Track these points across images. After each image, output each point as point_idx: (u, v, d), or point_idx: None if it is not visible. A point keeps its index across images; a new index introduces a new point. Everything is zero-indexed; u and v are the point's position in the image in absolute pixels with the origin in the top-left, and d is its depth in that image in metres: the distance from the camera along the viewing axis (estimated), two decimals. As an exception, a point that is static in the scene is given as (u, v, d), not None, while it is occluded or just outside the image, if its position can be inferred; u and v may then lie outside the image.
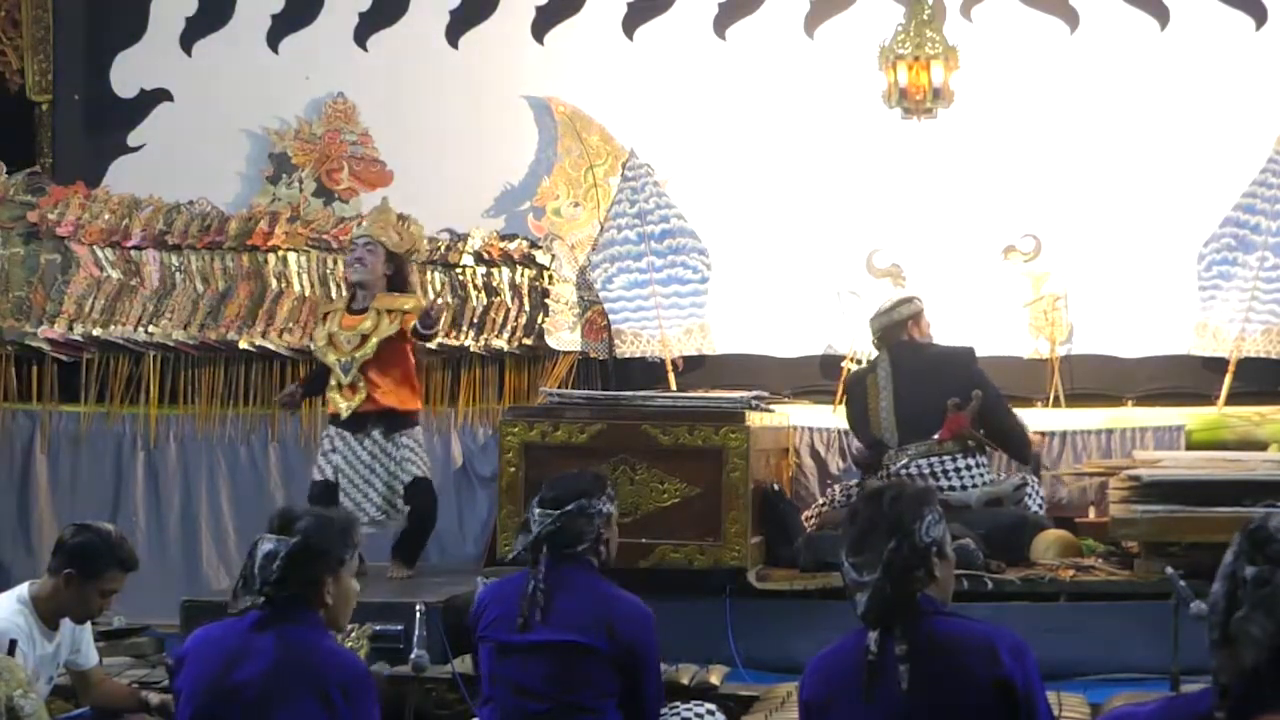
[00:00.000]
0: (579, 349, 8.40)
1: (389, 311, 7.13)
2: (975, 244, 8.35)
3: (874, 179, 8.44)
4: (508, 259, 8.48)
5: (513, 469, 6.82)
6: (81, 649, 5.17)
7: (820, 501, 7.64)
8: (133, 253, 8.62)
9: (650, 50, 8.75)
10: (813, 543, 6.88)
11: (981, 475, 7.23)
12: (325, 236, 8.51)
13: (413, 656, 5.40)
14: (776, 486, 7.22)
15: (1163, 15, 8.48)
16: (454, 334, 8.38)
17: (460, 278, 8.49)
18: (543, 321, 8.37)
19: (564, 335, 8.38)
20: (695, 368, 8.44)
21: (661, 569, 6.61)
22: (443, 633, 5.72)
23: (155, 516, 8.39)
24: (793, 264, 8.45)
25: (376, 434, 7.08)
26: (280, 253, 8.55)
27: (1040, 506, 7.41)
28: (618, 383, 8.22)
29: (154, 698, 5.25)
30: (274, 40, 8.96)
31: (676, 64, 8.70)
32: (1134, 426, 7.99)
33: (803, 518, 7.32)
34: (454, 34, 8.87)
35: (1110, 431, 7.99)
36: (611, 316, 8.36)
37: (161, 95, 9.03)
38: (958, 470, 7.20)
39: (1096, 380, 8.32)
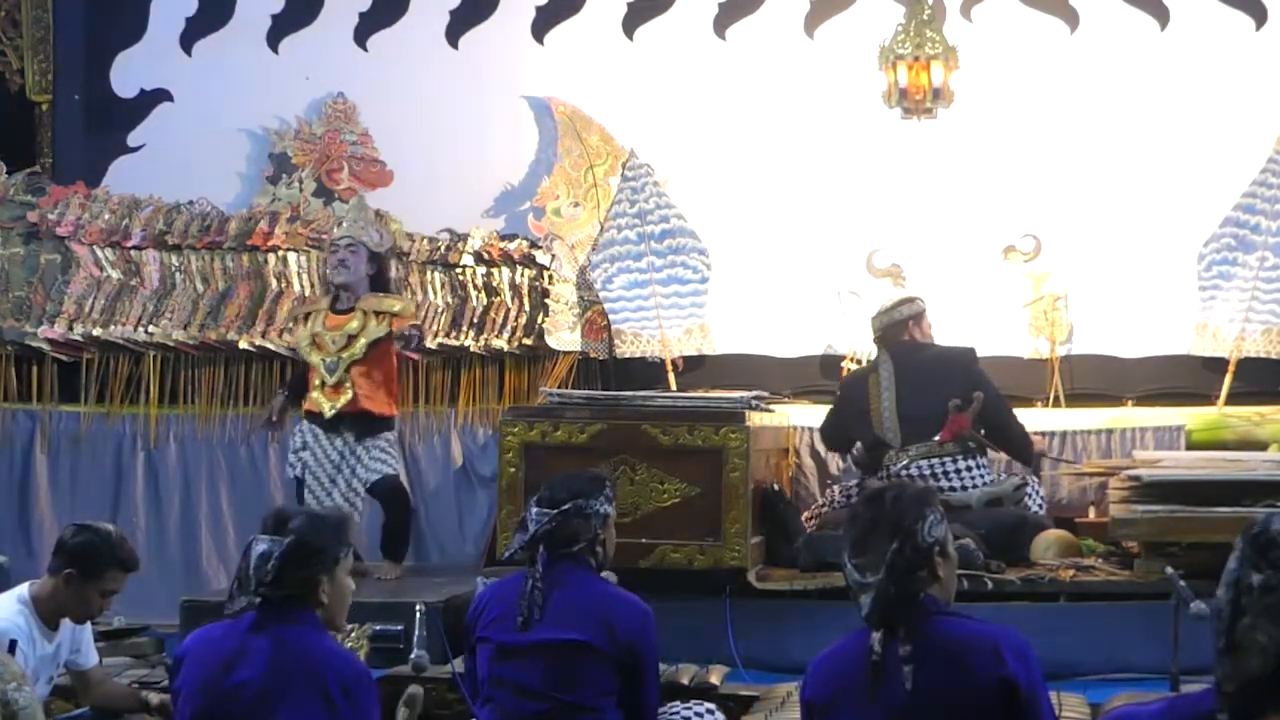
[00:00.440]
0: (579, 349, 8.40)
1: (377, 313, 7.16)
2: (975, 244, 8.35)
3: (874, 179, 8.44)
4: (508, 259, 8.48)
5: (513, 469, 6.81)
6: (81, 649, 5.17)
7: (820, 502, 7.65)
8: (133, 253, 8.62)
9: (650, 50, 8.75)
10: (813, 543, 6.88)
11: (982, 476, 7.23)
12: (325, 236, 8.50)
13: (413, 656, 5.41)
14: (776, 486, 7.22)
15: (1163, 15, 8.48)
16: (454, 334, 8.38)
17: (460, 278, 8.49)
18: (543, 321, 8.37)
19: (564, 335, 8.38)
20: (695, 368, 8.44)
21: (661, 569, 6.60)
22: (443, 633, 5.71)
23: (155, 516, 8.39)
24: (793, 264, 8.45)
25: (349, 435, 7.13)
26: (280, 253, 8.55)
27: (1040, 506, 7.41)
28: (618, 383, 8.22)
29: (154, 698, 5.25)
30: (274, 40, 8.96)
31: (676, 64, 8.70)
32: (1134, 426, 7.98)
33: (803, 518, 7.31)
34: (454, 34, 8.87)
35: (1110, 431, 7.99)
36: (611, 316, 8.36)
37: (161, 95, 9.03)
38: (958, 471, 7.19)
39: (1096, 380, 8.32)
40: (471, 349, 8.37)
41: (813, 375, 8.40)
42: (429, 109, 8.80)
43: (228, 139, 8.90)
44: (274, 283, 8.52)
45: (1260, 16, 8.41)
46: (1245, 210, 8.07)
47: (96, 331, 8.44)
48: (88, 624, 5.16)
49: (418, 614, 5.52)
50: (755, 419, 6.93)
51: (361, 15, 8.92)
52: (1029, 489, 7.35)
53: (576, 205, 8.69)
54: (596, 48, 8.77)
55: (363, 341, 7.14)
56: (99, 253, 8.62)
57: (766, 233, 8.50)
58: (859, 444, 7.55)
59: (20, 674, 3.50)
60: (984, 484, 7.21)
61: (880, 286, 8.26)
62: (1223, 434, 7.87)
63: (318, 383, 7.21)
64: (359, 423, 7.17)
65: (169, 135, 8.97)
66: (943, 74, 7.94)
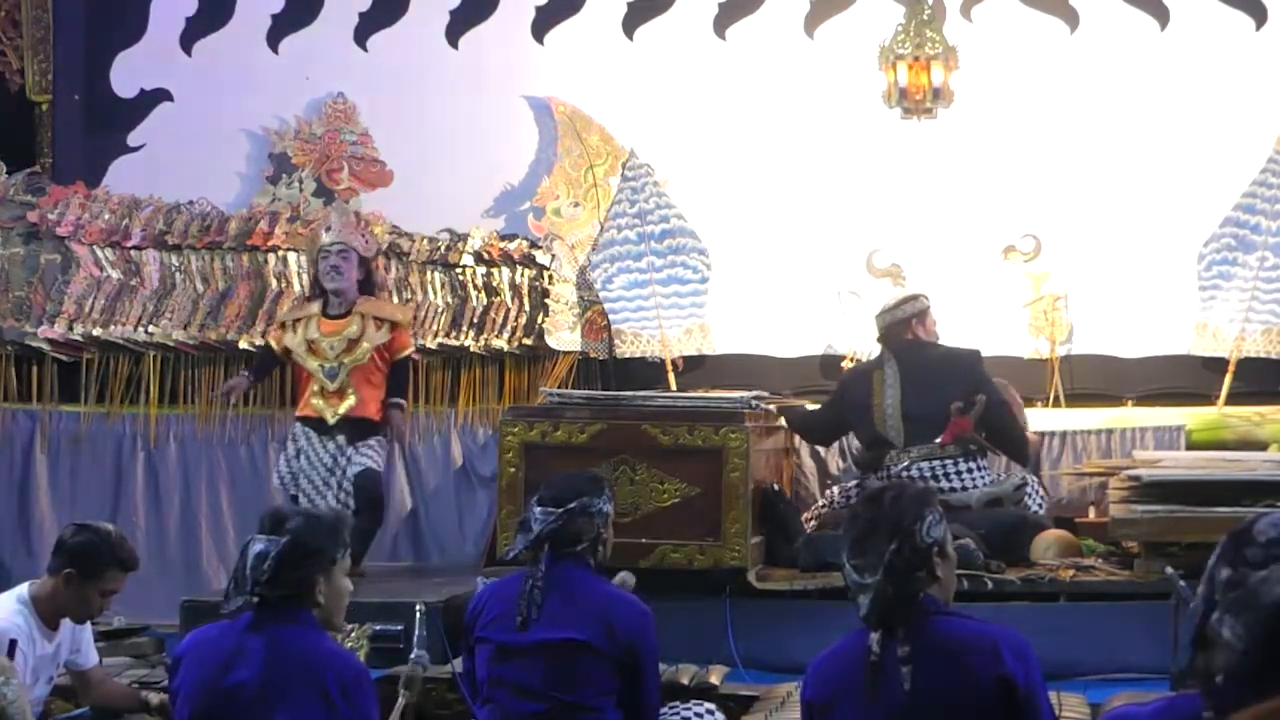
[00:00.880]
0: (579, 349, 8.40)
1: (376, 318, 7.15)
2: (975, 244, 8.35)
3: (874, 179, 8.44)
4: (508, 259, 8.48)
5: (513, 469, 6.81)
6: (81, 649, 5.17)
7: (820, 502, 7.64)
8: (133, 253, 8.62)
9: (650, 50, 8.75)
10: (813, 543, 6.88)
11: (983, 478, 7.22)
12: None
13: (413, 656, 5.40)
14: (776, 486, 7.21)
15: (1163, 15, 8.48)
16: (454, 334, 8.38)
17: (460, 278, 8.49)
18: (543, 321, 8.37)
19: (564, 335, 8.38)
20: (695, 368, 8.44)
21: (661, 569, 6.60)
22: (443, 633, 5.71)
23: (155, 516, 8.39)
24: (793, 264, 8.45)
25: (341, 439, 7.12)
26: (280, 253, 8.55)
27: (1040, 506, 7.41)
28: (618, 383, 8.21)
29: (154, 698, 5.25)
30: (274, 40, 8.96)
31: (676, 64, 8.70)
32: (1134, 426, 7.99)
33: (803, 519, 7.31)
34: (454, 34, 8.87)
35: (1110, 431, 8.00)
36: (611, 316, 8.36)
37: (161, 95, 9.03)
38: (959, 473, 7.19)
39: (1096, 380, 8.32)
40: (471, 349, 8.37)
41: (813, 375, 8.40)
42: (429, 109, 8.80)
43: (228, 139, 8.90)
44: (274, 283, 8.52)
45: (1260, 16, 8.42)
46: (1245, 210, 8.07)
47: (96, 331, 8.44)
48: (88, 624, 5.17)
49: (418, 614, 5.51)
50: (755, 419, 6.93)
51: (361, 15, 8.92)
52: (1029, 489, 7.34)
53: (576, 205, 8.69)
54: (596, 48, 8.77)
55: (366, 347, 7.16)
56: (99, 253, 8.61)
57: (766, 233, 8.50)
58: (858, 443, 7.55)
59: (6, 666, 3.51)
60: (984, 485, 7.20)
61: (880, 286, 8.26)
62: (1223, 434, 7.87)
63: (316, 389, 7.19)
64: (356, 428, 7.17)
65: (169, 135, 8.96)
66: (943, 74, 7.94)
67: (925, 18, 8.01)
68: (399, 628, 5.94)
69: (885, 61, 8.00)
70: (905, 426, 7.25)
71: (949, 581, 3.47)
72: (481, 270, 8.49)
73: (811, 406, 7.82)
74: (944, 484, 7.07)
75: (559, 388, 7.91)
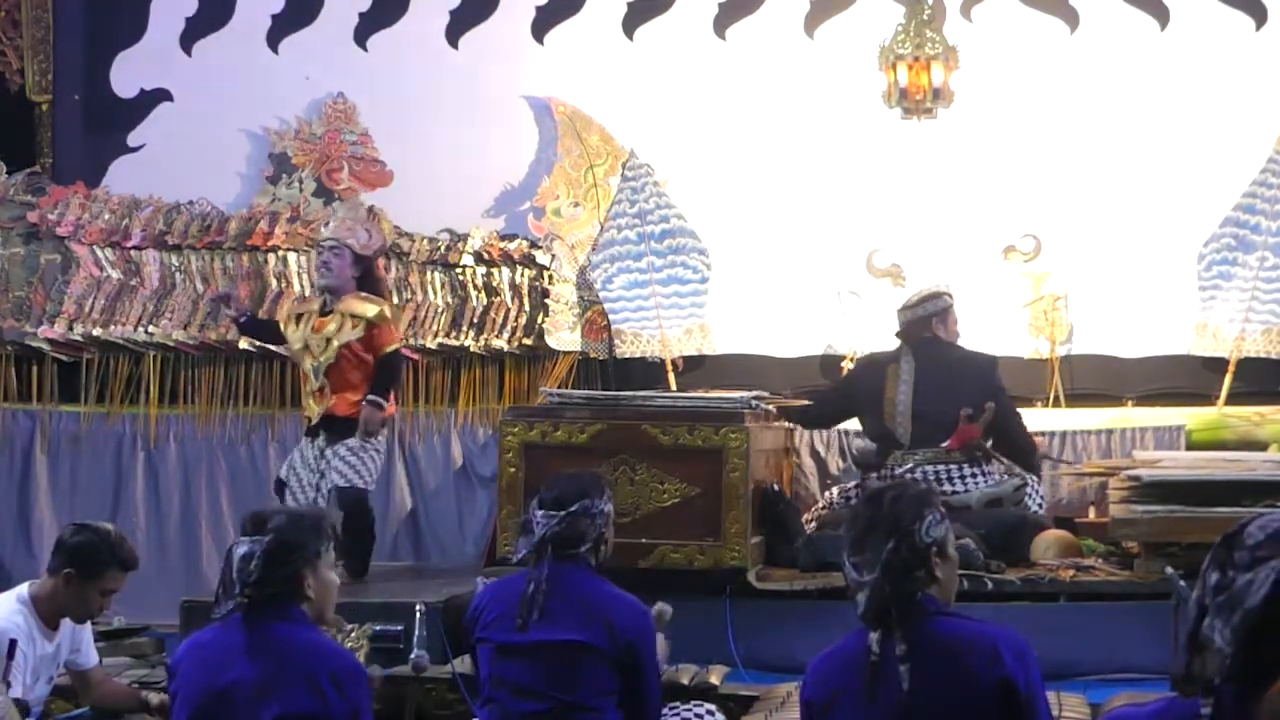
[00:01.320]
0: (579, 349, 8.40)
1: (352, 316, 7.03)
2: (975, 244, 8.35)
3: (874, 179, 8.44)
4: (508, 259, 8.48)
5: (513, 469, 6.81)
6: (81, 649, 5.17)
7: (820, 503, 7.64)
8: (133, 253, 8.62)
9: (650, 50, 8.75)
10: (813, 543, 6.88)
11: (985, 482, 7.22)
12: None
13: (413, 656, 5.41)
14: (776, 486, 7.21)
15: (1163, 15, 8.48)
16: (454, 334, 8.38)
17: (460, 278, 8.49)
18: (543, 321, 8.37)
19: (564, 335, 8.39)
20: (695, 368, 8.44)
21: (661, 569, 6.60)
22: (443, 633, 5.72)
23: (155, 516, 8.39)
24: (793, 264, 8.45)
25: (321, 440, 7.04)
26: (280, 253, 8.55)
27: (1040, 506, 7.41)
28: (618, 383, 8.22)
29: (154, 698, 5.25)
30: (274, 40, 8.96)
31: (676, 64, 8.70)
32: (1134, 426, 7.99)
33: (803, 519, 7.31)
34: (454, 34, 8.87)
35: (1110, 431, 8.00)
36: (611, 316, 8.36)
37: (161, 95, 9.03)
38: (963, 478, 7.19)
39: (1096, 380, 8.32)
40: (471, 349, 8.37)
41: (813, 375, 8.40)
42: (429, 109, 8.80)
43: (228, 139, 8.90)
44: (274, 283, 8.52)
45: (1260, 16, 8.42)
46: (1245, 210, 8.08)
47: (96, 331, 8.45)
48: (88, 624, 5.16)
49: (418, 614, 5.52)
50: (755, 419, 6.93)
51: (361, 15, 8.92)
52: (1029, 489, 7.34)
53: (576, 205, 8.69)
54: (596, 48, 8.77)
55: (335, 345, 7.00)
56: (99, 253, 8.62)
57: (766, 233, 8.50)
58: (858, 442, 7.55)
59: None
60: (985, 487, 7.20)
61: (880, 286, 8.27)
62: (1223, 434, 7.87)
63: (308, 389, 7.15)
64: (333, 427, 7.02)
65: (169, 135, 8.96)
66: (943, 74, 7.95)
67: (925, 18, 8.02)
68: (399, 628, 5.94)
69: (885, 61, 8.00)
70: (914, 424, 7.25)
71: (949, 582, 3.46)
72: (481, 270, 8.50)
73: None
74: (946, 486, 7.07)
75: (559, 388, 7.91)
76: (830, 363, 8.39)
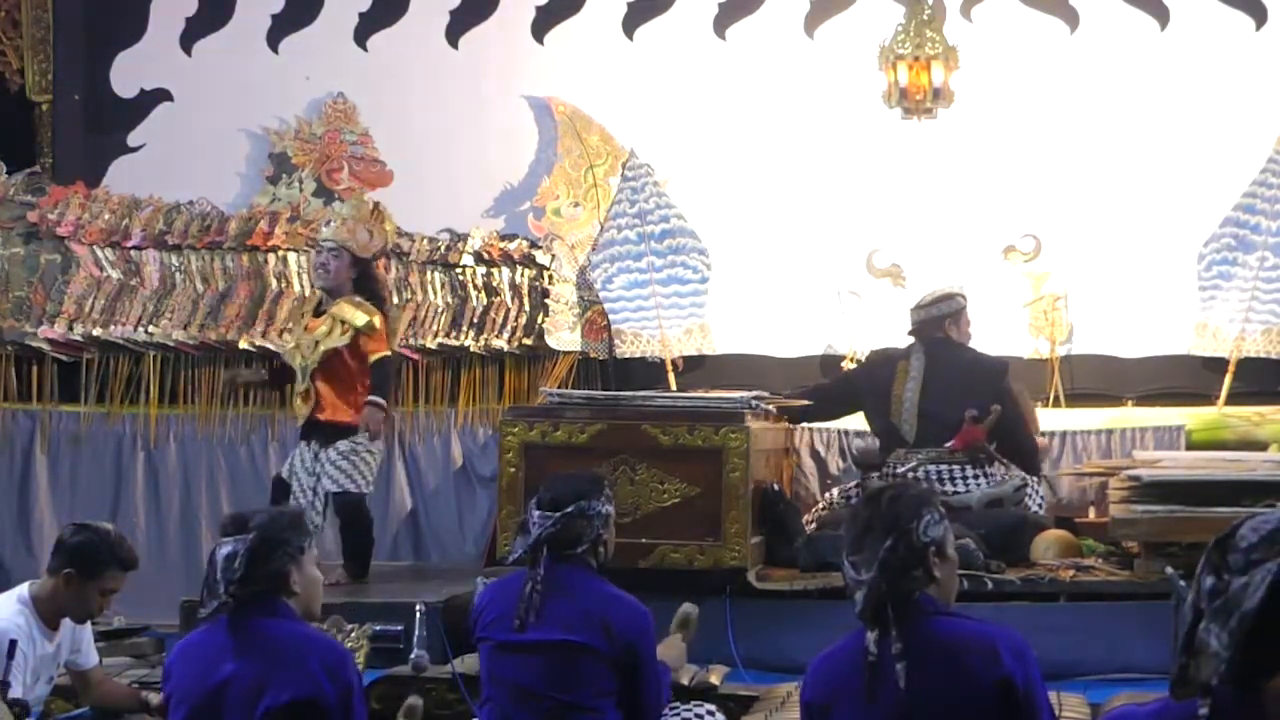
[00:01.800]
0: (579, 349, 8.40)
1: (341, 322, 7.01)
2: (975, 244, 8.35)
3: (874, 179, 8.44)
4: (508, 259, 8.48)
5: (513, 469, 6.81)
6: (81, 649, 5.17)
7: (820, 503, 7.63)
8: (133, 253, 8.62)
9: (650, 50, 8.75)
10: (813, 543, 6.88)
11: (987, 484, 7.22)
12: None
13: (413, 656, 5.42)
14: (776, 486, 7.21)
15: (1163, 15, 8.49)
16: (454, 334, 8.39)
17: (460, 278, 8.49)
18: (543, 321, 8.37)
19: (564, 335, 8.39)
20: (695, 368, 8.44)
21: (661, 569, 6.60)
22: (443, 633, 5.72)
23: (155, 516, 8.39)
24: (793, 264, 8.45)
25: (314, 443, 7.03)
26: (280, 253, 8.55)
27: (1040, 506, 7.41)
28: (618, 383, 8.22)
29: (154, 698, 5.24)
30: (274, 40, 8.96)
31: (676, 64, 8.70)
32: (1134, 426, 7.99)
33: (803, 519, 7.31)
34: (454, 34, 8.87)
35: (1110, 431, 8.00)
36: (611, 316, 8.36)
37: (161, 95, 9.03)
38: (964, 478, 7.19)
39: (1096, 380, 8.32)
40: (471, 349, 8.38)
41: (813, 375, 8.39)
42: (429, 109, 8.80)
43: (228, 139, 8.90)
44: (274, 283, 8.52)
45: (1260, 16, 8.42)
46: (1245, 210, 8.08)
47: (96, 331, 8.44)
48: (88, 624, 5.16)
49: (418, 614, 5.53)
50: (755, 419, 6.93)
51: (361, 15, 8.92)
52: (1029, 489, 7.34)
53: (576, 205, 8.69)
54: (596, 48, 8.77)
55: (321, 349, 6.99)
56: (99, 253, 8.62)
57: (766, 233, 8.51)
58: (858, 442, 7.55)
59: None
60: (986, 487, 7.20)
61: (880, 286, 8.27)
62: (1223, 434, 7.87)
63: (296, 389, 7.15)
64: (321, 431, 7.03)
65: (169, 135, 8.96)
66: (943, 74, 7.95)
67: (925, 18, 8.02)
68: (399, 628, 5.95)
69: (885, 61, 8.00)
70: (919, 423, 7.25)
71: (949, 582, 3.46)
72: (481, 270, 8.50)
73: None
74: (946, 487, 7.07)
75: (559, 388, 7.91)
76: (830, 363, 8.39)
